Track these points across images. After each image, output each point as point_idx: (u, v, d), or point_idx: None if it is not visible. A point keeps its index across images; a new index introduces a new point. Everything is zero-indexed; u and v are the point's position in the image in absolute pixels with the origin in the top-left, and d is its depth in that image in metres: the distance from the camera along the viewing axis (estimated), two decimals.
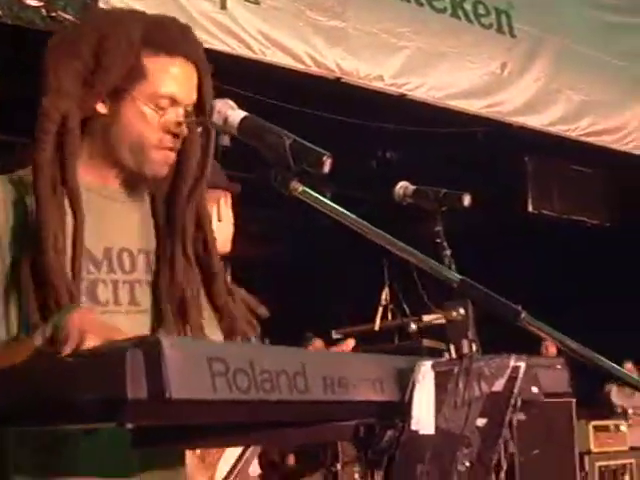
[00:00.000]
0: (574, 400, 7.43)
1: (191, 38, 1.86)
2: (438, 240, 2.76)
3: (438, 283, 1.75)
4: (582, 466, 7.51)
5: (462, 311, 1.69)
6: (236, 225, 2.77)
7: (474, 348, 1.71)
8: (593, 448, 7.70)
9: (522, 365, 1.70)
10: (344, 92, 5.97)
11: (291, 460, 6.32)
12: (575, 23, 7.22)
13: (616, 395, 8.79)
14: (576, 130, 6.97)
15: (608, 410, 8.59)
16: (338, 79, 5.83)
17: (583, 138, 7.02)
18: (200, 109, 1.86)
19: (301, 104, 5.85)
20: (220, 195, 2.66)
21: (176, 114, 1.80)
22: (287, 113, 5.55)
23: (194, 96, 1.84)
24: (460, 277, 1.69)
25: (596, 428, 7.79)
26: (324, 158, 1.74)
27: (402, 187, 2.90)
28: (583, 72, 7.11)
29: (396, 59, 6.12)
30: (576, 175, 7.61)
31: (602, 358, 1.83)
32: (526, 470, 6.92)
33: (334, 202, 1.75)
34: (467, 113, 6.50)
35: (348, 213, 1.76)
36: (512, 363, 1.68)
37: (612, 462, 7.82)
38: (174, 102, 1.80)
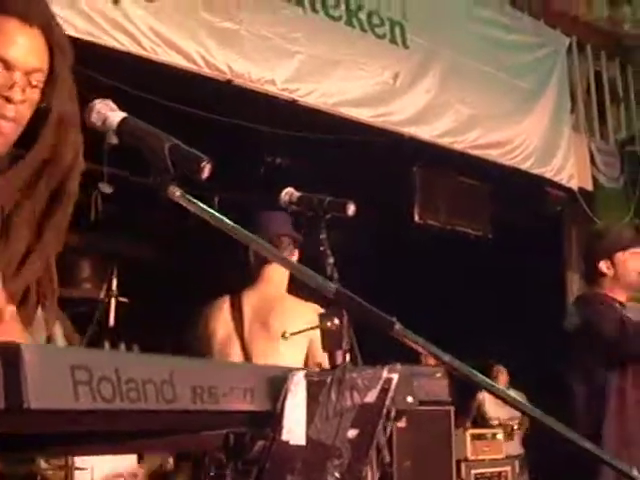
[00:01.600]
0: (452, 408, 7.53)
1: (36, 2, 1.77)
2: (322, 248, 2.75)
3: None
4: (459, 473, 7.61)
5: (337, 321, 1.67)
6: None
7: (347, 359, 1.70)
8: (470, 456, 7.82)
9: (395, 377, 1.70)
10: (235, 95, 5.92)
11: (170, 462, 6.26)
12: (466, 38, 7.31)
13: (488, 405, 8.95)
14: (463, 142, 7.06)
15: (481, 419, 8.74)
16: (229, 81, 5.77)
17: (470, 151, 7.12)
18: (52, 83, 1.78)
19: (192, 106, 5.78)
20: None
21: (10, 78, 1.72)
22: (177, 114, 5.48)
23: (37, 63, 1.75)
24: (335, 287, 1.68)
25: (473, 436, 7.91)
26: (203, 163, 1.71)
27: (288, 193, 2.89)
28: (472, 86, 7.21)
29: (289, 64, 6.09)
30: (462, 187, 7.70)
31: (474, 372, 1.84)
32: (406, 477, 7.00)
33: (222, 207, 1.73)
34: (358, 121, 6.51)
35: (226, 220, 1.74)
36: (385, 374, 1.68)
37: (488, 470, 7.95)
38: (8, 66, 1.72)
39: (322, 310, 1.73)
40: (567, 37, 8.41)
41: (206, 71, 5.65)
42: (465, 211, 7.71)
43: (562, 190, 7.98)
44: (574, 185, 8.00)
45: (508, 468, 8.15)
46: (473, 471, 7.81)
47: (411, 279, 8.21)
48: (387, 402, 1.68)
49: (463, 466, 7.69)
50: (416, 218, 7.24)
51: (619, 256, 4.11)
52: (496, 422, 8.84)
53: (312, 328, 3.25)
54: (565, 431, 1.83)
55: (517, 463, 8.29)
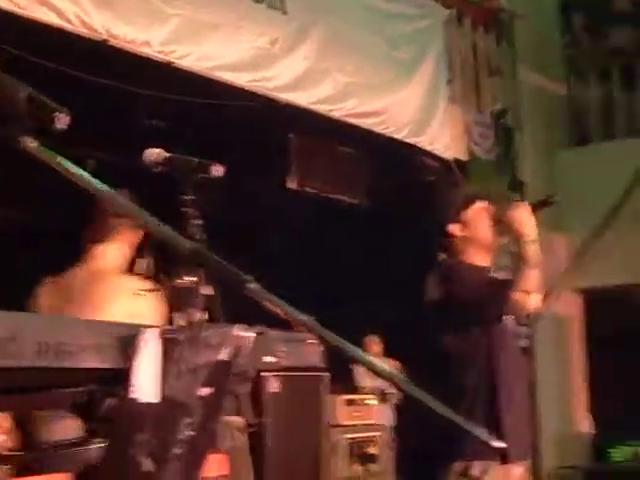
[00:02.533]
0: (327, 374, 7.58)
1: None
2: (187, 209, 2.71)
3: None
4: (330, 438, 7.67)
5: (193, 278, 1.65)
6: None
7: (202, 316, 1.68)
8: (342, 421, 7.88)
9: (250, 336, 1.70)
10: (112, 56, 5.80)
11: None
12: (346, 6, 7.32)
13: (361, 375, 9.04)
14: (341, 110, 7.07)
15: (354, 387, 8.83)
16: (105, 41, 5.65)
17: (347, 119, 7.14)
18: None
19: (67, 66, 5.64)
20: None
21: None
22: (52, 74, 5.34)
23: None
24: (192, 244, 1.66)
25: (345, 402, 7.98)
26: (58, 114, 1.66)
27: (154, 153, 2.84)
28: (351, 54, 7.23)
29: (166, 26, 6.00)
30: (339, 154, 7.73)
31: (346, 342, 1.83)
32: (276, 441, 7.03)
33: (98, 167, 1.69)
34: (236, 86, 6.46)
35: (85, 174, 1.69)
36: (239, 333, 1.67)
37: (359, 435, 8.04)
38: None
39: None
40: (446, 10, 8.50)
41: (82, 30, 5.53)
42: (342, 179, 7.75)
43: (437, 160, 8.09)
44: (449, 155, 8.12)
45: (379, 434, 8.25)
46: (344, 436, 7.88)
47: (287, 246, 8.20)
48: (241, 360, 1.67)
49: (334, 431, 7.75)
50: (293, 185, 7.25)
51: (467, 215, 4.06)
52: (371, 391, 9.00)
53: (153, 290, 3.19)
54: (427, 399, 1.85)
55: (388, 429, 8.38)
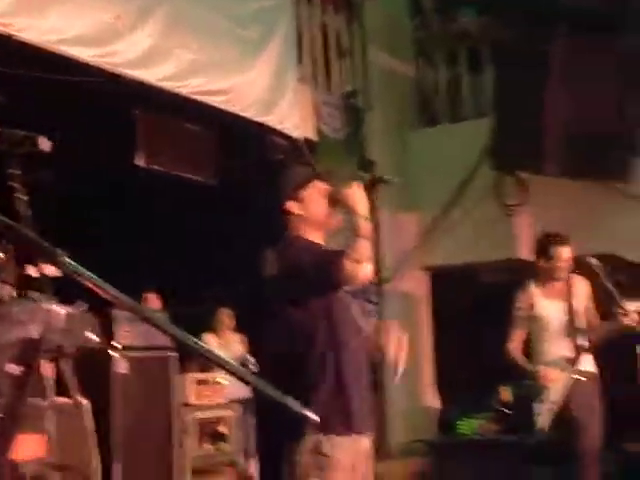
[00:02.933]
0: (175, 354, 7.54)
1: None
2: (13, 184, 2.64)
3: None
4: (181, 418, 7.64)
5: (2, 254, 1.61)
6: None
7: (12, 292, 1.64)
8: (192, 400, 7.86)
9: (61, 311, 1.66)
10: None
11: None
12: None
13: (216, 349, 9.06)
14: (187, 88, 7.01)
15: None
16: None
17: (193, 96, 7.08)
18: None
19: None
20: None
21: None
22: None
23: None
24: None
25: (197, 381, 7.95)
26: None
27: None
28: (197, 32, 7.15)
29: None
30: (187, 132, 7.66)
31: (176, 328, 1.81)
32: (124, 421, 6.95)
33: None
34: (79, 61, 6.32)
35: None
36: (49, 308, 1.63)
37: (210, 414, 8.03)
38: None
39: None
40: None
41: None
42: (190, 157, 7.69)
43: (286, 139, 8.10)
44: (298, 134, 8.14)
45: (230, 412, 8.26)
46: (195, 415, 7.86)
47: (134, 224, 8.11)
48: (53, 337, 1.64)
49: (185, 410, 7.72)
50: (139, 162, 7.15)
51: (303, 193, 4.13)
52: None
53: None
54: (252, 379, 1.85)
55: (241, 407, 8.39)
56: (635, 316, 5.98)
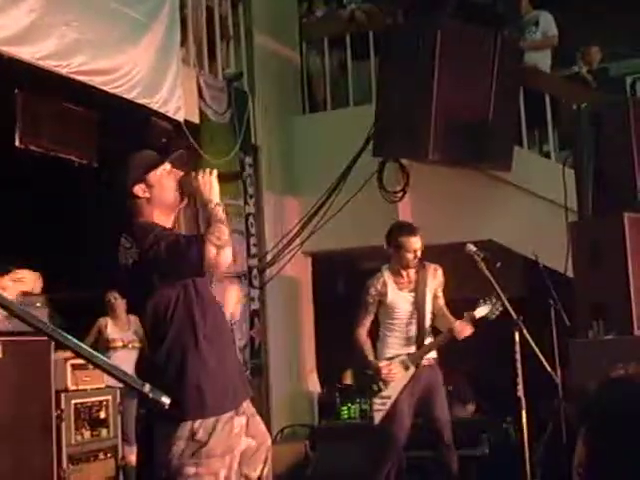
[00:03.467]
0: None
1: None
2: None
3: None
4: (58, 404, 7.54)
5: None
6: None
7: None
8: (70, 386, 7.76)
9: None
10: None
11: None
12: None
13: (110, 328, 9.03)
14: (68, 67, 6.85)
15: (104, 341, 8.82)
16: None
17: (74, 76, 6.92)
18: None
19: None
20: None
21: None
22: None
23: None
24: None
25: (74, 366, 7.84)
26: None
27: None
28: (79, 10, 6.99)
29: None
30: (68, 113, 7.51)
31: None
32: (1, 409, 6.81)
33: None
34: None
35: None
36: None
37: (88, 399, 7.94)
38: None
39: None
40: None
41: None
42: (70, 138, 7.52)
43: (169, 122, 8.02)
44: (180, 117, 8.05)
45: (109, 397, 8.18)
46: (73, 401, 7.76)
47: (17, 207, 7.96)
48: None
49: (63, 396, 7.62)
50: (17, 143, 6.99)
51: (152, 176, 4.09)
52: (120, 343, 8.98)
53: None
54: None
55: (118, 392, 8.30)
56: (470, 325, 6.17)
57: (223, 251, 3.87)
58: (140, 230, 4.05)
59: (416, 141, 7.98)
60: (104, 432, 8.05)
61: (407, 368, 6.26)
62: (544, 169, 8.83)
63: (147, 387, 1.83)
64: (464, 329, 6.15)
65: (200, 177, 3.99)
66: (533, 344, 5.81)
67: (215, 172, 4.04)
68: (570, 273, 7.08)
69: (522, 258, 8.34)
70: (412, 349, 6.34)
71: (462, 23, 8.06)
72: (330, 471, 8.04)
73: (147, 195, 4.06)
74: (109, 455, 8.09)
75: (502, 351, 6.05)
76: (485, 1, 8.18)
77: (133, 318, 8.89)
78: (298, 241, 9.40)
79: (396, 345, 6.37)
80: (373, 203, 8.89)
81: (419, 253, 6.34)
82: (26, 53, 6.55)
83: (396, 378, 6.21)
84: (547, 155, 9.23)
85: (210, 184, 3.98)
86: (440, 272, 6.48)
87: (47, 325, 1.75)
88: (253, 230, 9.18)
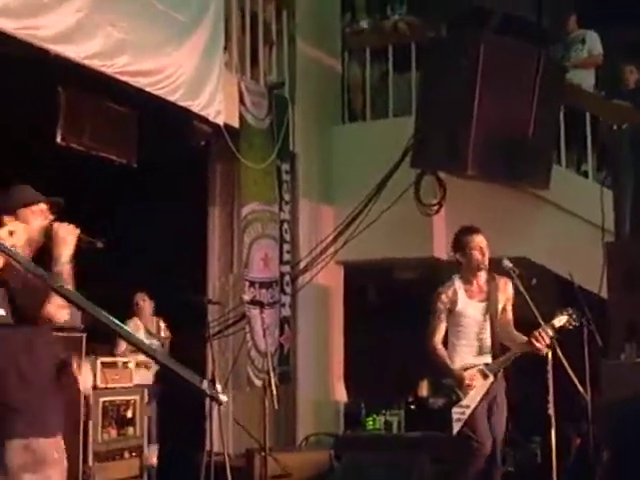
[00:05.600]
0: (84, 335, 7.47)
1: None
2: None
3: None
4: (87, 401, 7.58)
5: None
6: None
7: None
8: (99, 384, 7.78)
9: None
10: None
11: None
12: None
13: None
14: (112, 67, 6.90)
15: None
16: None
17: (118, 76, 6.97)
18: None
19: None
20: None
21: None
22: None
23: None
24: None
25: (104, 364, 7.87)
26: None
27: None
28: (126, 11, 7.04)
29: None
30: (109, 112, 7.57)
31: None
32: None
33: None
34: (3, 32, 6.17)
35: None
36: None
37: (117, 398, 7.96)
38: None
39: None
40: None
41: None
42: (111, 137, 7.59)
43: (209, 125, 8.06)
44: (220, 121, 8.09)
45: (137, 397, 8.20)
46: (101, 399, 7.79)
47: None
48: None
49: (92, 394, 7.65)
50: (58, 140, 7.05)
51: (22, 211, 4.13)
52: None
53: None
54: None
55: (146, 391, 8.35)
56: (547, 341, 5.95)
57: (60, 310, 3.87)
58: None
59: (455, 155, 7.95)
60: (130, 431, 8.07)
61: (486, 377, 6.15)
62: (582, 189, 8.79)
63: (205, 383, 1.86)
64: (544, 338, 5.96)
65: (60, 229, 4.02)
66: (566, 363, 5.76)
67: (77, 231, 4.06)
68: (604, 294, 7.06)
69: (556, 277, 8.31)
70: (486, 358, 6.22)
71: (506, 39, 8.03)
72: None
73: (12, 228, 4.06)
74: (134, 454, 8.11)
75: (532, 370, 6.01)
76: (530, 17, 8.11)
77: (157, 319, 8.92)
78: (332, 249, 9.40)
79: (468, 354, 6.23)
80: (407, 215, 8.87)
81: (486, 251, 6.23)
82: (72, 52, 6.60)
83: (475, 387, 6.11)
84: (585, 175, 9.16)
85: (65, 242, 3.99)
86: (510, 286, 6.30)
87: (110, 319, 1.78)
88: (287, 237, 9.19)
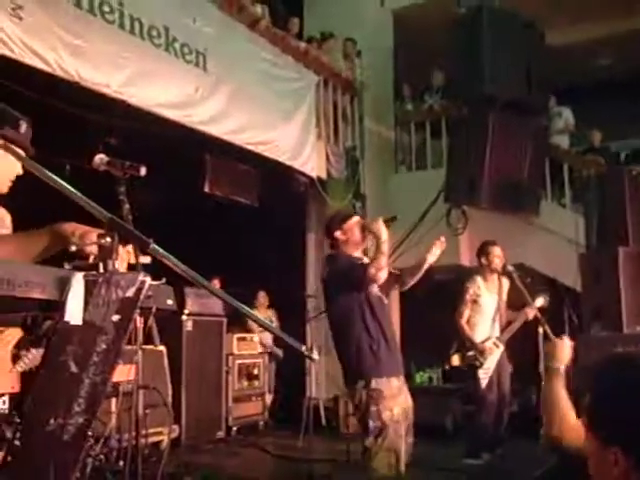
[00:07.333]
0: (225, 319, 7.58)
1: None
2: (121, 197, 2.64)
3: None
4: (227, 362, 7.69)
5: (109, 239, 1.62)
6: None
7: (114, 265, 1.65)
8: (235, 351, 7.89)
9: (148, 280, 1.68)
10: (83, 94, 5.63)
11: None
12: (247, 69, 7.30)
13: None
14: (241, 140, 7.06)
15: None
16: (77, 82, 5.50)
17: (246, 145, 7.12)
18: None
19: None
20: None
21: None
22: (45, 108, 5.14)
23: None
24: (109, 215, 1.64)
25: (238, 339, 7.98)
26: (20, 121, 1.63)
27: (100, 158, 2.76)
28: (251, 101, 7.20)
29: (122, 74, 5.89)
30: (239, 169, 7.70)
31: (231, 298, 1.83)
32: (189, 363, 6.99)
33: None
34: (169, 119, 6.35)
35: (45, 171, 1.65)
36: (140, 278, 1.66)
37: (247, 360, 8.06)
38: None
39: None
40: (317, 76, 8.55)
41: (59, 72, 5.37)
42: (241, 186, 7.72)
43: (306, 177, 8.14)
44: (314, 174, 8.17)
45: (261, 360, 8.30)
46: (237, 361, 7.90)
47: (204, 233, 8.14)
48: (141, 297, 1.66)
49: (230, 358, 7.77)
50: (206, 189, 7.19)
51: (347, 225, 4.21)
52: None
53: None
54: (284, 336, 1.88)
55: (266, 356, 8.42)
56: (535, 311, 5.89)
57: (382, 272, 3.96)
58: (336, 256, 4.22)
59: (473, 194, 7.90)
60: (256, 383, 8.17)
61: (498, 346, 6.11)
62: (562, 216, 8.63)
63: (304, 347, 1.87)
64: (532, 313, 5.92)
65: (377, 224, 4.06)
66: (552, 336, 5.64)
67: (383, 221, 4.09)
68: (579, 288, 6.91)
69: (544, 277, 8.19)
70: (497, 333, 6.17)
71: (508, 114, 7.95)
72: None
73: (343, 237, 4.22)
74: (259, 398, 8.21)
75: (526, 345, 5.95)
76: (525, 99, 8.02)
77: (271, 312, 8.93)
78: (391, 260, 9.33)
79: (486, 331, 6.19)
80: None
81: (502, 258, 6.17)
82: (214, 130, 6.76)
83: (491, 354, 6.06)
84: (564, 206, 9.00)
85: (381, 228, 4.03)
86: (507, 282, 6.29)
87: (238, 303, 1.81)
88: None
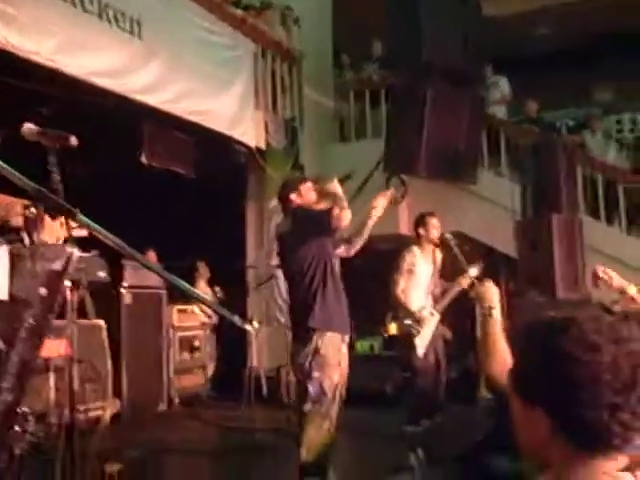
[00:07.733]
0: (165, 291, 7.48)
1: None
2: (51, 168, 2.55)
3: None
4: (168, 334, 7.62)
5: (34, 210, 1.56)
6: None
7: (41, 237, 1.59)
8: (176, 323, 7.82)
9: (75, 252, 1.62)
10: (16, 62, 5.42)
11: None
12: (183, 37, 7.14)
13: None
14: (178, 109, 6.92)
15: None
16: (6, 50, 5.29)
17: (184, 115, 7.00)
18: None
19: None
20: None
21: None
22: None
23: None
24: (34, 185, 1.57)
25: (179, 310, 7.91)
26: None
27: (28, 128, 2.64)
28: (187, 70, 7.05)
29: (52, 41, 5.68)
30: (179, 140, 7.57)
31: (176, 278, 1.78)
32: (129, 336, 6.90)
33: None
34: (104, 88, 6.18)
35: None
36: (67, 250, 1.59)
37: (187, 333, 8.00)
38: None
39: None
40: (255, 44, 8.42)
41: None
42: (178, 157, 7.59)
43: (245, 147, 8.05)
44: (253, 144, 8.09)
45: (201, 332, 8.25)
46: (178, 334, 7.84)
47: (141, 205, 7.98)
48: (69, 269, 1.60)
49: (171, 330, 7.70)
50: (144, 160, 7.04)
51: (303, 188, 4.27)
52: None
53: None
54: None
55: (208, 328, 8.37)
56: (469, 280, 5.91)
57: (344, 213, 4.03)
58: (298, 209, 4.23)
59: (411, 162, 7.94)
60: (197, 354, 8.13)
61: (433, 315, 6.13)
62: (499, 184, 8.75)
63: (236, 317, 1.84)
64: (466, 281, 5.93)
65: (332, 184, 4.16)
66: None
67: (337, 180, 4.19)
68: (515, 255, 7.05)
69: (482, 244, 8.31)
70: (431, 302, 6.21)
71: (445, 84, 7.99)
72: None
73: (298, 200, 4.25)
74: (200, 370, 8.18)
75: (463, 312, 6.04)
76: (461, 67, 8.06)
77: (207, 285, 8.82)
78: None
79: (421, 300, 6.18)
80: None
81: (439, 229, 6.17)
82: (150, 100, 6.61)
83: (427, 323, 6.06)
84: (501, 174, 9.13)
85: (336, 186, 4.15)
86: (441, 254, 6.30)
87: (174, 277, 1.77)
88: None
